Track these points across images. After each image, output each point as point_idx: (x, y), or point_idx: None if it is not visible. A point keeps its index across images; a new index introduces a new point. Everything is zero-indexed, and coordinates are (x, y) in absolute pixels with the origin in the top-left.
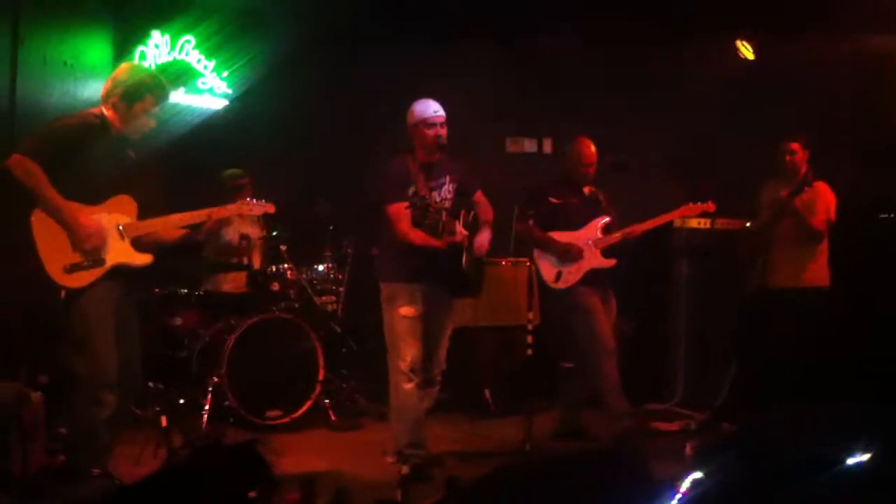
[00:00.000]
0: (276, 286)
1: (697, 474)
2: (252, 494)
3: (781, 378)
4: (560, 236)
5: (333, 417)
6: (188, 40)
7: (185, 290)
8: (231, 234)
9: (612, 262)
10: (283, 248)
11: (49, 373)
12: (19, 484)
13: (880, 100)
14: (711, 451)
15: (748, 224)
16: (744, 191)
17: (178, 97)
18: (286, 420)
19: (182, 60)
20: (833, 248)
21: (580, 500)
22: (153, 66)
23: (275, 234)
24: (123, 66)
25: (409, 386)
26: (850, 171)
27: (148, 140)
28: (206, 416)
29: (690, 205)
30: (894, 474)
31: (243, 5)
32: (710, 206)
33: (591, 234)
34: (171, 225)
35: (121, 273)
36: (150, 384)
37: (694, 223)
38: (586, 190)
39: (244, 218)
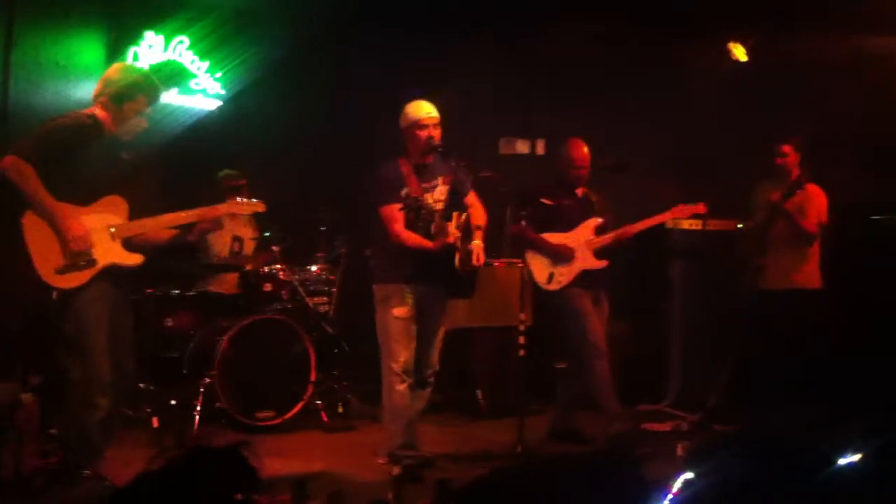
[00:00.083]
0: (268, 287)
1: (689, 475)
2: (238, 497)
3: (774, 379)
4: (553, 238)
5: (325, 418)
6: (181, 41)
7: (178, 291)
8: (224, 236)
9: (604, 263)
10: (275, 248)
11: (42, 374)
12: (11, 485)
13: (874, 102)
14: (703, 451)
15: (740, 226)
16: (739, 192)
17: (172, 98)
18: (278, 421)
19: (175, 61)
20: (825, 250)
21: (572, 501)
22: (146, 67)
23: (267, 234)
24: (115, 66)
25: (401, 387)
26: (842, 173)
27: (140, 141)
28: (197, 417)
29: (682, 206)
30: (886, 475)
31: (237, 6)
32: (702, 208)
33: (584, 236)
34: (162, 225)
35: (112, 274)
36: (142, 385)
37: (686, 224)
38: (579, 191)
39: (237, 219)
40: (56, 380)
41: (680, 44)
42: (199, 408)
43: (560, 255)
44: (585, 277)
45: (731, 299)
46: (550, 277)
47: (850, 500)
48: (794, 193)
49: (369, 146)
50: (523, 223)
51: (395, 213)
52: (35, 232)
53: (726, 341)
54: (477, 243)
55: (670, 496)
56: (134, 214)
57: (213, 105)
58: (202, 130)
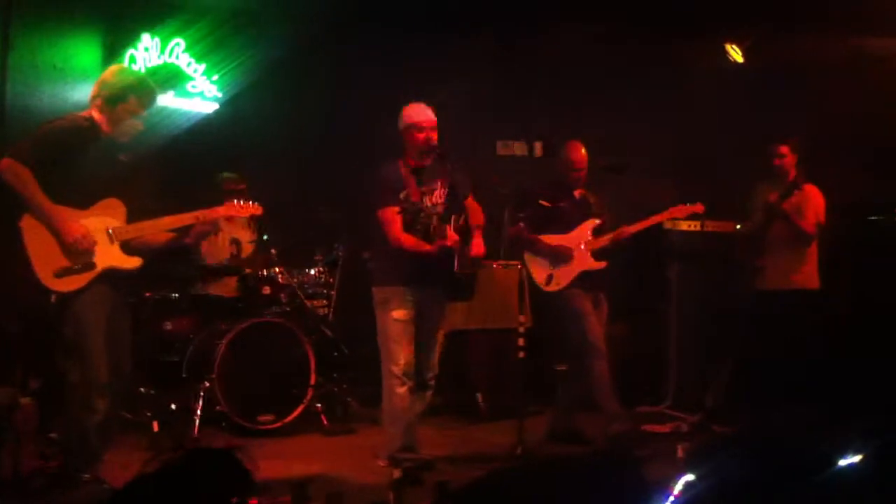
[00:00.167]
0: (267, 290)
1: (689, 476)
2: (234, 500)
3: (773, 379)
4: (551, 239)
5: (325, 421)
6: (178, 43)
7: (176, 295)
8: (221, 239)
9: (602, 264)
10: (274, 251)
11: (41, 377)
12: (10, 487)
13: (873, 102)
14: (703, 453)
15: (738, 227)
16: (738, 193)
17: (169, 101)
18: (278, 424)
19: (172, 64)
20: (823, 251)
21: (571, 503)
22: (143, 70)
23: (266, 237)
24: (111, 68)
25: (401, 390)
26: (841, 174)
27: (138, 143)
28: (197, 420)
29: (679, 206)
30: (886, 475)
31: (233, 8)
32: (699, 208)
33: (582, 237)
34: (160, 228)
35: (111, 277)
36: (142, 389)
37: (684, 226)
38: (577, 193)
39: (234, 221)
40: (55, 383)
41: (679, 44)
42: (198, 411)
43: (558, 257)
44: (584, 279)
45: (730, 300)
46: (549, 279)
47: (851, 501)
48: (792, 194)
49: (368, 148)
50: (521, 225)
51: (393, 216)
52: (33, 235)
53: (725, 342)
54: (476, 242)
55: (671, 498)
56: (132, 217)
57: (210, 108)
58: (199, 133)
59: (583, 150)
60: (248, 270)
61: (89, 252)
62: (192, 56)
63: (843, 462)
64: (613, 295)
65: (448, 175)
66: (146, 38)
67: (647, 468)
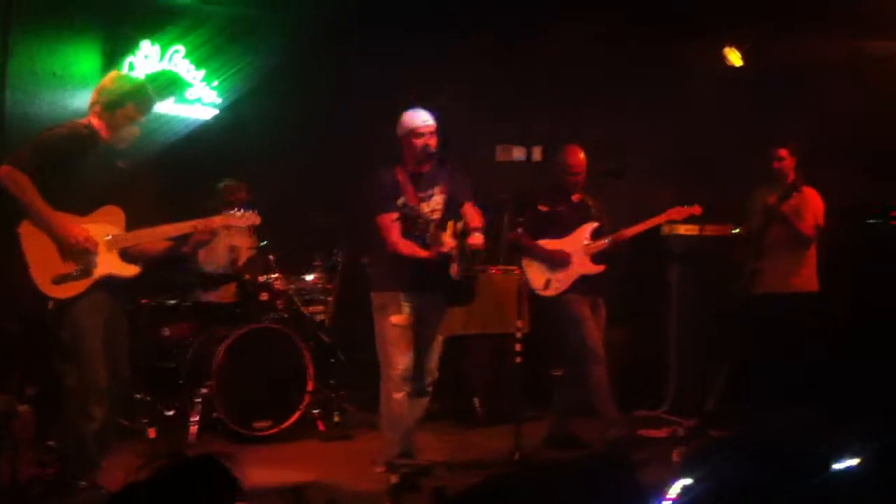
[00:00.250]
0: (264, 296)
1: (686, 480)
2: None
3: (771, 382)
4: (549, 244)
5: (322, 427)
6: (177, 50)
7: (174, 301)
8: (219, 245)
9: (601, 267)
10: (271, 257)
11: (39, 384)
12: (7, 494)
13: (872, 104)
14: (700, 457)
15: (736, 230)
16: (738, 195)
17: (168, 107)
18: (275, 431)
19: (171, 70)
20: (822, 253)
21: None
22: (142, 77)
23: (264, 243)
24: (109, 75)
25: (399, 395)
26: (839, 176)
27: (137, 149)
28: (194, 427)
29: (677, 208)
30: (884, 478)
31: (232, 15)
32: (697, 210)
33: (580, 241)
34: (158, 236)
35: (109, 284)
36: (139, 395)
37: (683, 229)
38: (575, 197)
39: (232, 228)
40: (52, 390)
41: (678, 46)
42: (195, 418)
43: (557, 261)
44: (583, 283)
45: (729, 303)
46: (547, 283)
47: None
48: (791, 196)
49: (366, 153)
50: (520, 230)
51: (391, 222)
52: (32, 241)
53: (724, 345)
54: (476, 236)
55: (667, 502)
56: (130, 223)
57: (209, 114)
58: (198, 139)
59: (581, 155)
60: (246, 277)
61: (91, 254)
62: (191, 62)
63: (840, 465)
64: (613, 299)
65: (447, 181)
66: (145, 45)
67: (643, 473)
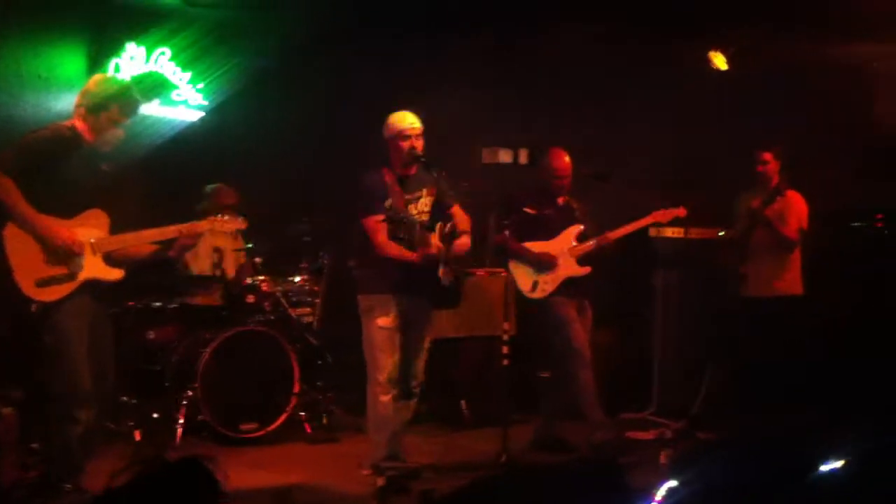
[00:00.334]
0: (251, 298)
1: (672, 482)
2: None
3: (757, 385)
4: (535, 246)
5: (309, 430)
6: (163, 52)
7: (159, 304)
8: (204, 248)
9: (587, 269)
10: (258, 260)
11: (23, 387)
12: None
13: (855, 109)
14: (686, 459)
15: (721, 233)
16: (727, 199)
17: (153, 109)
18: (261, 433)
19: (157, 72)
20: (806, 257)
21: None
22: (128, 79)
23: (250, 246)
24: (94, 77)
25: (386, 398)
26: (823, 180)
27: (122, 152)
28: (180, 429)
29: (662, 210)
30: (871, 480)
31: (219, 17)
32: (682, 211)
33: (566, 243)
34: (143, 240)
35: (93, 287)
36: (124, 398)
37: (669, 232)
38: (561, 200)
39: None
40: (37, 392)
41: (667, 48)
42: (181, 420)
43: (543, 264)
44: (569, 285)
45: (715, 307)
46: (534, 286)
47: None
48: (775, 200)
49: (353, 156)
50: (506, 233)
51: (377, 224)
52: (16, 244)
53: (710, 349)
54: (462, 239)
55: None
56: (115, 226)
57: (195, 116)
58: (184, 142)
59: (566, 158)
60: (231, 279)
61: (77, 255)
62: (177, 64)
63: (827, 467)
64: (599, 301)
65: (434, 183)
66: (131, 47)
67: (630, 475)
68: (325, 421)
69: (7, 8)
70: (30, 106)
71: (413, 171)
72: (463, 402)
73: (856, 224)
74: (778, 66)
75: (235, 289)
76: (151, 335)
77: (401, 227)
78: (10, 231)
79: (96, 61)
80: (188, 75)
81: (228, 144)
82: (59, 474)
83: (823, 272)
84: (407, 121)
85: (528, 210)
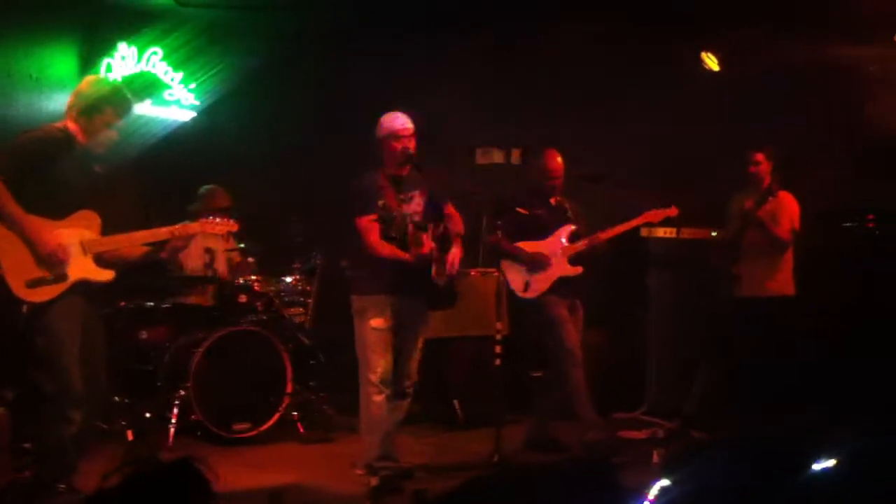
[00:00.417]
0: (243, 298)
1: (665, 482)
2: None
3: (749, 385)
4: (527, 246)
5: (302, 430)
6: (155, 52)
7: (152, 304)
8: (195, 248)
9: (578, 269)
10: (251, 260)
11: (15, 387)
12: None
13: (846, 110)
14: (679, 458)
15: (713, 234)
16: (718, 200)
17: (145, 109)
18: (254, 433)
19: (149, 72)
20: (798, 257)
21: None
22: (119, 79)
23: (242, 245)
24: (87, 79)
25: (379, 398)
26: (815, 180)
27: (114, 153)
28: (173, 429)
29: (654, 210)
30: (863, 479)
31: (211, 17)
32: (673, 211)
33: (558, 243)
34: (134, 242)
35: (84, 288)
36: (116, 398)
37: (661, 232)
38: (553, 201)
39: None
40: (30, 392)
41: (659, 49)
42: (174, 420)
43: (536, 263)
44: (561, 285)
45: (707, 307)
46: (527, 285)
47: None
48: (767, 201)
49: (345, 156)
50: (499, 233)
51: (370, 224)
52: (6, 245)
53: (702, 349)
54: (454, 251)
55: (646, 503)
56: (107, 227)
57: (187, 116)
58: (176, 142)
59: (559, 159)
60: (223, 279)
61: (63, 263)
62: (169, 64)
63: (819, 466)
64: (592, 302)
65: (426, 184)
66: (122, 47)
67: (623, 474)
68: (317, 421)
69: None
70: (21, 106)
71: (406, 171)
72: (456, 403)
73: (847, 224)
74: (772, 67)
75: (227, 289)
76: (144, 335)
77: (393, 226)
78: (1, 232)
79: (88, 61)
80: (180, 75)
81: (220, 144)
82: (53, 474)
83: (815, 272)
84: (399, 121)
85: (520, 210)
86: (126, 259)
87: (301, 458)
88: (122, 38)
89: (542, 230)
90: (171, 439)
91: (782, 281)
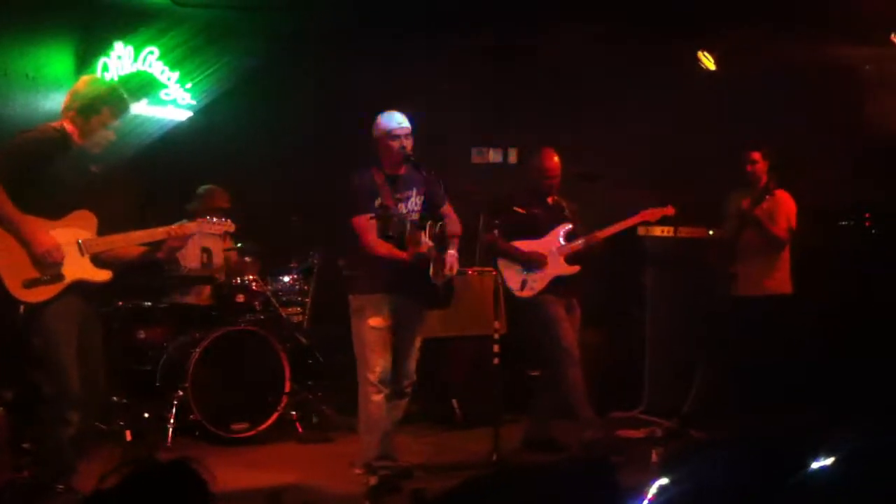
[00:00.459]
0: (241, 298)
1: (664, 481)
2: None
3: (747, 385)
4: (524, 245)
5: (300, 430)
6: (151, 51)
7: (149, 303)
8: (193, 248)
9: (575, 268)
10: (248, 259)
11: (14, 388)
12: None
13: (843, 109)
14: (678, 457)
15: (711, 232)
16: (715, 199)
17: (142, 108)
18: (252, 433)
19: (145, 72)
20: (795, 256)
21: None
22: (116, 78)
23: (239, 245)
24: (83, 79)
25: (377, 397)
26: (813, 179)
27: (110, 153)
28: (171, 429)
29: (650, 209)
30: (861, 479)
31: (207, 17)
32: (670, 210)
33: (555, 242)
34: (131, 242)
35: (81, 288)
36: (115, 398)
37: (658, 231)
38: (550, 200)
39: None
40: (28, 393)
41: (655, 49)
42: (172, 420)
43: (533, 262)
44: (558, 284)
45: (705, 306)
46: (523, 284)
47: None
48: (764, 200)
49: (344, 156)
50: (496, 232)
51: (367, 223)
52: (2, 245)
53: (700, 348)
54: (451, 252)
55: (645, 502)
56: (104, 227)
57: (183, 115)
58: (173, 141)
59: (556, 158)
60: (221, 279)
61: (59, 264)
62: (165, 64)
63: (817, 465)
64: (589, 301)
65: (423, 183)
66: (119, 47)
67: (621, 474)
68: (316, 420)
69: None
70: (18, 106)
71: (402, 170)
72: (454, 402)
73: (844, 223)
74: (771, 66)
75: (225, 288)
76: (141, 335)
77: (390, 225)
78: None
79: (84, 61)
80: (176, 75)
81: (217, 144)
82: (51, 475)
83: (812, 271)
84: (395, 120)
85: (517, 209)
86: (123, 259)
87: (300, 457)
88: (118, 38)
89: (540, 229)
90: (169, 439)
91: (780, 279)
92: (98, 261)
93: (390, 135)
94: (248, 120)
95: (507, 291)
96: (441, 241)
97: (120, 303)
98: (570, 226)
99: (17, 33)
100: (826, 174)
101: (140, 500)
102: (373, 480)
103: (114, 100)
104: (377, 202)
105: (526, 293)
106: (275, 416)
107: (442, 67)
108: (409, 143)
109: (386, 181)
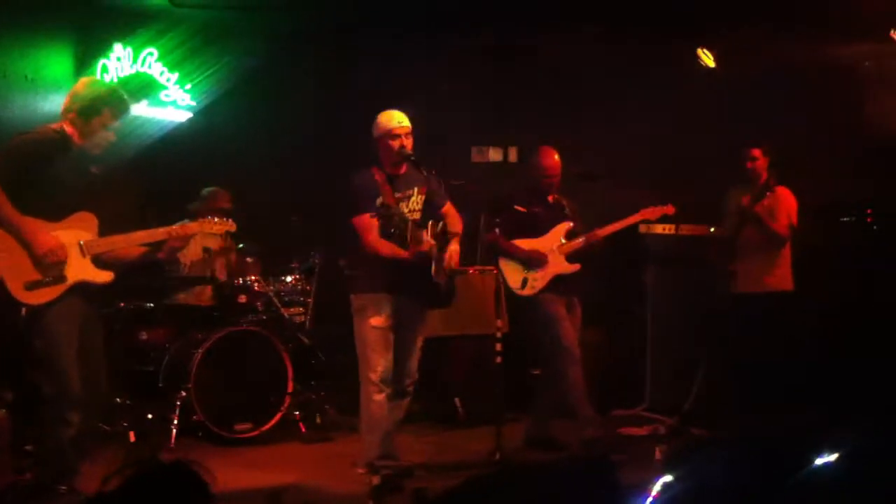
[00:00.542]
0: (242, 298)
1: (667, 478)
2: None
3: (748, 382)
4: (525, 243)
5: (303, 429)
6: (151, 53)
7: (151, 304)
8: (193, 248)
9: (576, 266)
10: (249, 260)
11: (15, 389)
12: None
13: (843, 106)
14: (681, 455)
15: (712, 230)
16: (716, 196)
17: (142, 110)
18: (255, 433)
19: (144, 73)
20: (796, 252)
21: None
22: (115, 79)
23: (241, 246)
24: (82, 80)
25: (379, 397)
26: (813, 175)
27: (110, 154)
28: (174, 430)
29: (651, 207)
30: (863, 476)
31: (206, 18)
32: (670, 209)
33: (555, 241)
34: (132, 242)
35: (83, 290)
36: (118, 399)
37: (659, 229)
38: (550, 198)
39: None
40: (30, 394)
41: (654, 48)
42: (175, 421)
43: (533, 261)
44: (559, 283)
45: (706, 303)
46: (524, 283)
47: (825, 501)
48: (764, 197)
49: (342, 156)
50: (497, 231)
51: (369, 223)
52: (3, 247)
53: (702, 345)
54: (453, 248)
55: (649, 499)
56: (104, 228)
57: (183, 116)
58: (173, 142)
59: (556, 156)
60: (222, 279)
61: (61, 264)
62: (164, 65)
63: (819, 463)
64: (590, 299)
65: (424, 182)
66: (118, 48)
67: (624, 471)
68: (318, 420)
69: None
70: (17, 107)
71: (403, 169)
72: (456, 401)
73: (845, 219)
74: (771, 66)
75: (227, 289)
76: (143, 336)
77: (392, 224)
78: None
79: (83, 62)
80: (176, 76)
81: (217, 145)
82: (53, 476)
83: (813, 268)
84: (395, 119)
85: (518, 208)
86: (124, 260)
87: (302, 457)
88: (117, 39)
89: (540, 228)
90: (173, 440)
91: (780, 276)
92: (99, 262)
93: (390, 134)
94: (248, 120)
95: (509, 290)
96: (442, 240)
97: (122, 304)
98: (571, 224)
99: (16, 35)
100: (826, 172)
101: (142, 502)
102: (375, 480)
103: (114, 101)
104: (378, 201)
105: (527, 292)
106: (278, 416)
107: (442, 67)
108: (409, 143)
109: (386, 180)
